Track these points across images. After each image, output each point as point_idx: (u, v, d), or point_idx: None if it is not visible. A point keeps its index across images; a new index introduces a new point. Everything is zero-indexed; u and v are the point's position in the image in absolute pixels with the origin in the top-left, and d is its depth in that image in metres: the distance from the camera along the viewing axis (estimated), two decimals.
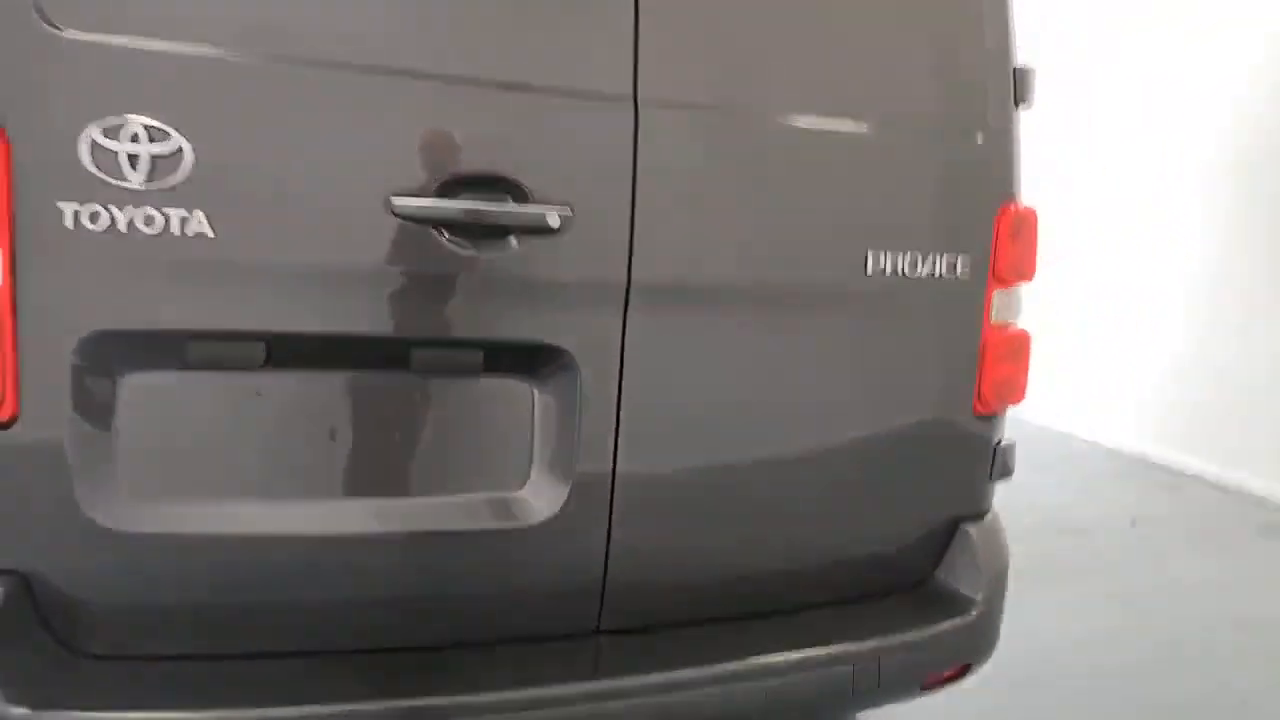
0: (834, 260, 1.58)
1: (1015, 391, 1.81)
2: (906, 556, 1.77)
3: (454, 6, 1.36)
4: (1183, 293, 5.30)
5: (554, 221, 1.35)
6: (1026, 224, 1.75)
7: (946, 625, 1.69)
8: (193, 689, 1.31)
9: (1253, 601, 3.41)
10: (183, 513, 1.32)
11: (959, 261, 1.67)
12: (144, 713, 1.28)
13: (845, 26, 1.58)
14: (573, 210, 1.36)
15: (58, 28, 1.20)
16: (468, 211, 1.33)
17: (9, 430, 1.24)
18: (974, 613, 1.73)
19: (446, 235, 1.33)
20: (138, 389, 1.29)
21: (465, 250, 1.34)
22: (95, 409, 1.28)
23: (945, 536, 1.80)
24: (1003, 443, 1.84)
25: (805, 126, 1.55)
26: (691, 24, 1.46)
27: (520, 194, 1.35)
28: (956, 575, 1.78)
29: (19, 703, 1.22)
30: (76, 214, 1.21)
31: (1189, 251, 5.27)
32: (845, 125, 1.58)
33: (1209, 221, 5.17)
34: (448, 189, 1.32)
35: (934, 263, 1.65)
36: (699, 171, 1.48)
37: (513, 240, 1.36)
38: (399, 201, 1.30)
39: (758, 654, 1.55)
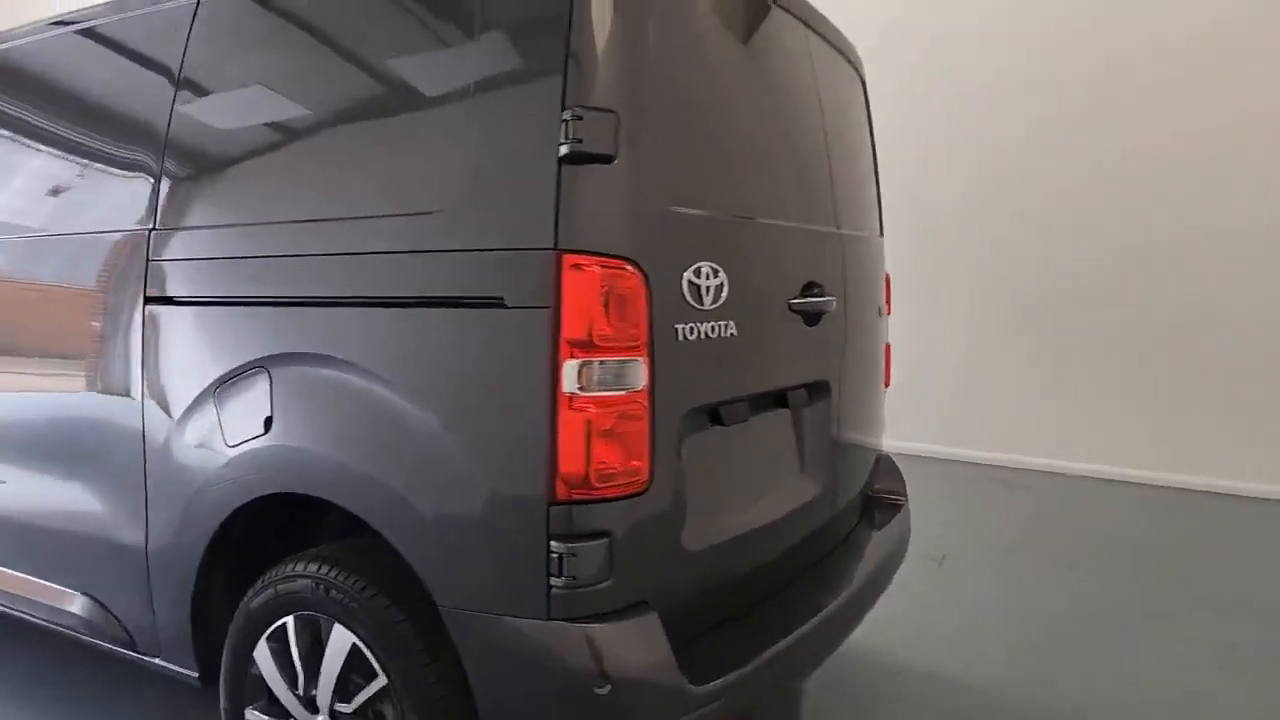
0: (876, 303, 2.75)
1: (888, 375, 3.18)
2: (869, 476, 3.00)
3: (800, 191, 2.22)
4: None
5: (837, 305, 2.28)
6: (889, 281, 3.14)
7: (904, 513, 2.97)
8: (743, 639, 1.90)
9: None
10: (720, 525, 1.91)
11: (884, 303, 2.98)
12: (743, 669, 1.80)
13: (865, 186, 2.77)
14: (837, 297, 2.30)
15: (675, 208, 1.74)
16: (815, 303, 2.17)
17: (644, 496, 1.70)
18: (907, 503, 3.04)
19: (802, 319, 2.15)
20: (693, 446, 1.84)
21: (808, 327, 2.18)
22: (681, 467, 1.79)
23: (875, 463, 3.07)
24: None
25: (864, 237, 2.70)
26: (843, 192, 2.48)
27: (820, 291, 2.23)
28: (889, 485, 3.06)
29: (695, 682, 1.71)
30: (681, 330, 1.75)
31: None
32: (868, 235, 2.77)
33: None
34: (802, 291, 2.15)
35: (881, 303, 2.92)
36: (853, 267, 2.50)
37: (820, 318, 2.24)
38: (793, 301, 2.09)
39: (883, 541, 2.62)
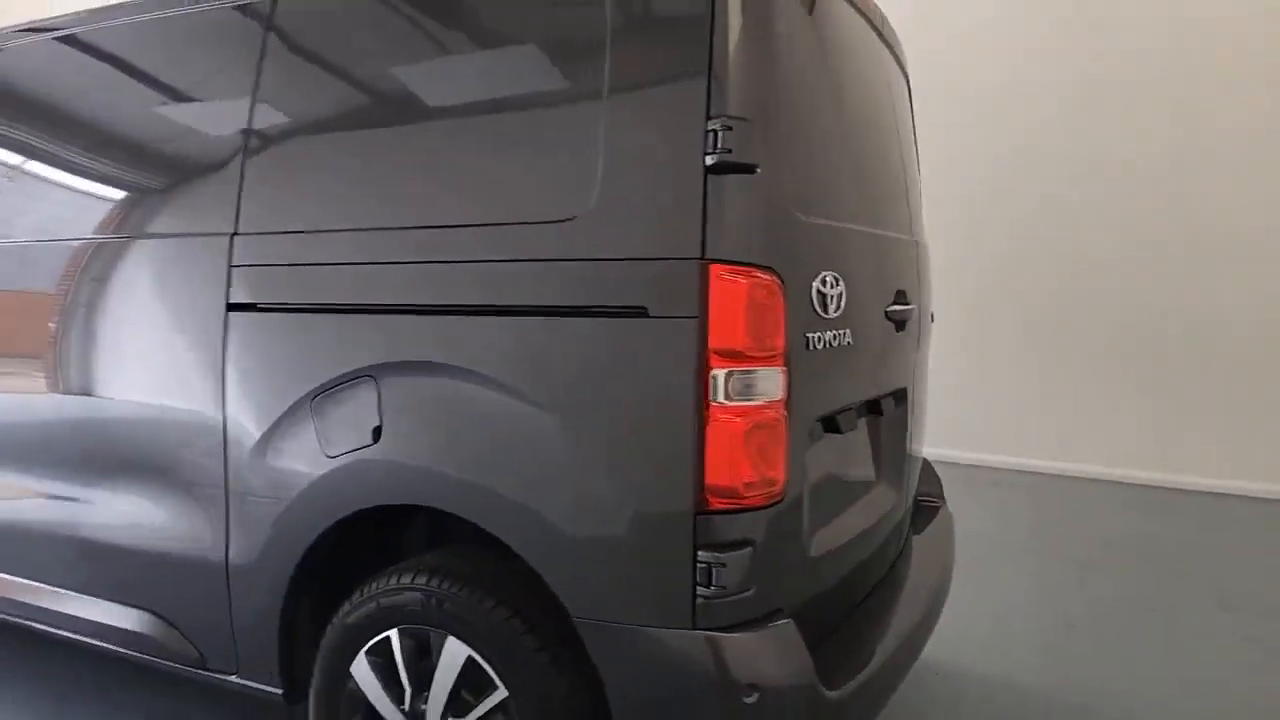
0: (931, 309, 2.79)
1: None
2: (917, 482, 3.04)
3: (888, 198, 2.26)
4: None
5: (917, 312, 2.31)
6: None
7: (945, 513, 2.99)
8: (857, 643, 1.94)
9: None
10: (834, 531, 1.94)
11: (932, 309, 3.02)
12: (867, 672, 1.85)
13: (918, 191, 2.80)
14: (915, 303, 2.33)
15: (803, 217, 1.75)
16: (903, 311, 2.20)
17: (779, 505, 1.71)
18: (945, 506, 3.08)
19: (894, 327, 2.18)
20: (814, 454, 1.85)
21: (897, 333, 2.21)
22: (805, 475, 1.80)
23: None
24: None
25: (924, 243, 2.73)
26: (908, 198, 2.53)
27: (904, 299, 2.26)
28: (932, 488, 3.10)
29: (829, 688, 1.72)
30: (811, 339, 1.76)
31: None
32: (925, 240, 2.80)
33: None
34: (895, 298, 2.18)
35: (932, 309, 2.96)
36: (923, 273, 2.54)
37: (905, 325, 2.27)
38: (889, 309, 2.12)
39: (940, 541, 2.67)
